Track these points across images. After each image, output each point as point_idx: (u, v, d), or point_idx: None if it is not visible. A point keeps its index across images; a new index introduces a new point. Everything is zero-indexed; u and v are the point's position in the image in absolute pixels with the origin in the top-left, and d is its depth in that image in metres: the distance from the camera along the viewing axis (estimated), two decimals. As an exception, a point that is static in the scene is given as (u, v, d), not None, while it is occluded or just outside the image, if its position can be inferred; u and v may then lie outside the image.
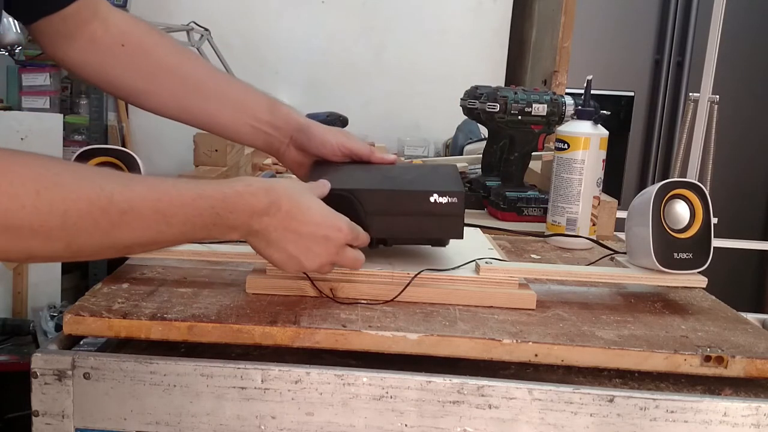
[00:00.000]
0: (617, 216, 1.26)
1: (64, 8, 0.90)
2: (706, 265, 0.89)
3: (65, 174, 0.63)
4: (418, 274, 0.86)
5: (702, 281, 0.91)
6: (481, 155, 1.52)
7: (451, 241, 0.92)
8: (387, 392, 0.72)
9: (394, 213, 0.87)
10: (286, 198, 0.76)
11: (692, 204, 0.90)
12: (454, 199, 0.87)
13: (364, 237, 0.83)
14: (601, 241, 1.12)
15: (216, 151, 1.35)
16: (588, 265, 1.00)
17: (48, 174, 0.61)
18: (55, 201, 0.60)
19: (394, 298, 0.84)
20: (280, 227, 0.75)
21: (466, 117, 1.49)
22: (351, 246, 0.81)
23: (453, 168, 0.95)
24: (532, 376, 0.77)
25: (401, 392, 0.72)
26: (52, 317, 2.06)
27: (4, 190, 0.58)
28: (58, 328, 1.95)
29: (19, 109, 2.30)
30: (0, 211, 0.58)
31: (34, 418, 0.73)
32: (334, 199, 0.84)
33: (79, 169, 0.66)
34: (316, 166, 0.97)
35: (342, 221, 0.80)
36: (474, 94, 1.40)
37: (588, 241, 1.14)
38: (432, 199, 0.87)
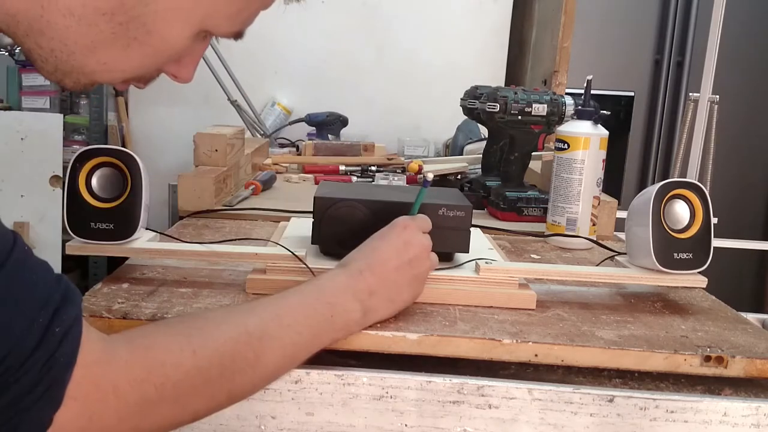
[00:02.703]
0: (617, 216, 1.27)
1: None
2: (706, 265, 0.89)
3: (207, 325, 0.65)
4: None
5: (702, 281, 0.91)
6: (481, 155, 1.52)
7: None
8: (387, 392, 0.72)
9: None
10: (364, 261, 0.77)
11: (692, 204, 0.90)
12: (462, 213, 0.89)
13: (426, 218, 0.85)
14: (601, 242, 1.12)
15: (216, 151, 1.35)
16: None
17: (194, 332, 0.63)
18: (210, 355, 0.62)
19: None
20: (380, 285, 0.77)
21: (466, 117, 1.49)
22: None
23: (456, 190, 1.02)
24: (532, 376, 0.77)
25: (401, 392, 0.72)
26: (52, 317, 2.06)
27: (166, 361, 0.60)
28: (58, 328, 1.95)
29: (19, 109, 2.30)
30: (170, 385, 0.59)
31: (34, 418, 0.73)
32: (346, 211, 0.85)
33: (213, 315, 0.68)
34: (324, 183, 0.99)
35: (401, 221, 0.82)
36: (474, 94, 1.40)
37: (588, 241, 1.14)
38: (440, 212, 0.88)
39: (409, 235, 0.80)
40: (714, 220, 0.91)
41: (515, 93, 1.33)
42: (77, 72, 0.62)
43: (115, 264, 0.95)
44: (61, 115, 2.23)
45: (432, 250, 0.83)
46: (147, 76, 0.66)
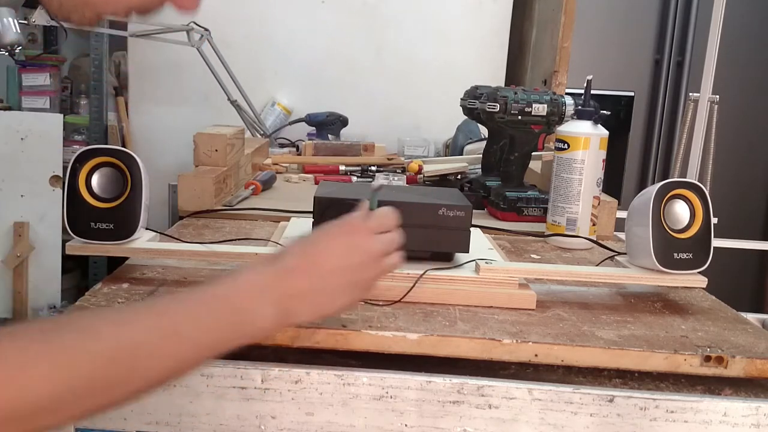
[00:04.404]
0: (617, 216, 1.27)
1: None
2: (706, 265, 0.89)
3: (73, 341, 0.56)
4: (423, 274, 0.85)
5: (702, 281, 0.91)
6: (481, 155, 1.52)
7: None
8: (387, 392, 0.72)
9: (402, 225, 0.88)
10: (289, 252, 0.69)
11: (692, 204, 0.90)
12: (461, 213, 0.89)
13: (387, 212, 0.75)
14: (601, 242, 1.12)
15: (216, 151, 1.35)
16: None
17: (56, 350, 0.54)
18: (68, 378, 0.54)
19: (401, 299, 0.84)
20: (308, 276, 0.67)
21: (466, 117, 1.49)
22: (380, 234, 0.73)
23: (456, 190, 1.02)
24: (532, 376, 0.77)
25: (401, 392, 0.72)
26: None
27: (24, 385, 0.52)
28: (58, 328, 1.95)
29: (19, 109, 2.30)
30: (25, 408, 0.52)
31: (34, 418, 0.73)
32: (345, 209, 0.85)
33: (85, 324, 0.59)
34: (324, 183, 0.99)
35: (350, 222, 0.73)
36: (474, 94, 1.40)
37: (588, 241, 1.14)
38: (440, 212, 0.89)
39: (356, 241, 0.71)
40: (714, 220, 0.91)
41: (515, 93, 1.33)
42: (82, 5, 0.62)
43: (115, 264, 0.95)
44: (61, 115, 2.23)
45: (432, 250, 0.82)
46: (150, 6, 0.66)
